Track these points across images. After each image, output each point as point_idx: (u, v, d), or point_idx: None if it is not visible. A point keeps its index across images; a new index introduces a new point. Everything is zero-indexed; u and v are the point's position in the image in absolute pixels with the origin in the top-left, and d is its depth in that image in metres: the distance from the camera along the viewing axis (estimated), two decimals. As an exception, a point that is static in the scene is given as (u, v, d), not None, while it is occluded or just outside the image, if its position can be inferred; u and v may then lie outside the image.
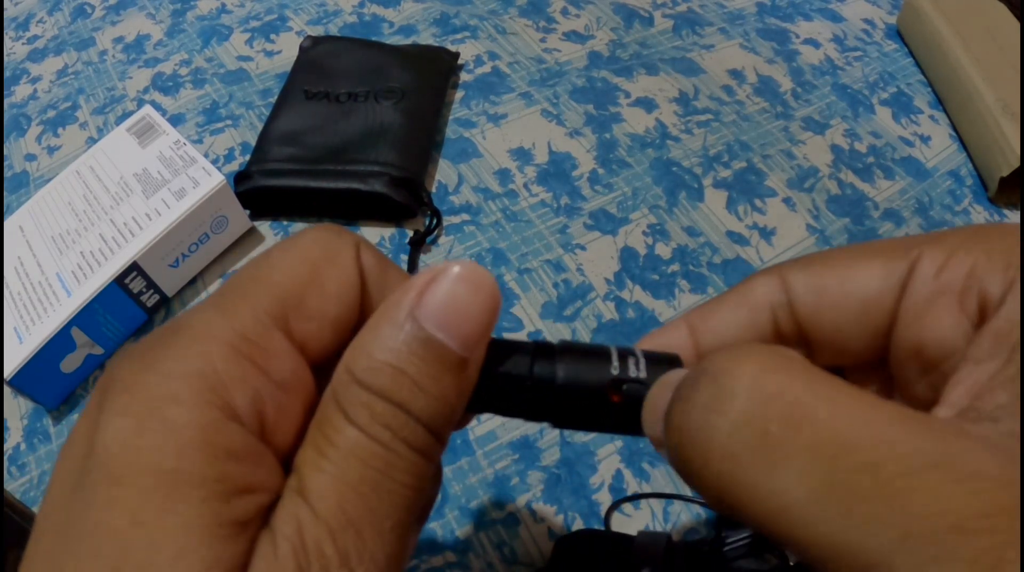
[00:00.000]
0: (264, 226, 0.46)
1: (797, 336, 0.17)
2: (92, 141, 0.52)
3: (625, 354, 0.17)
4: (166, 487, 0.13)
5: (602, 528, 0.34)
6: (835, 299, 0.16)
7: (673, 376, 0.15)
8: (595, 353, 0.17)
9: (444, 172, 0.49)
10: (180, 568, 0.12)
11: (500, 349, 0.17)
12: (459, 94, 0.54)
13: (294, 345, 0.15)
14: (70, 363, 0.38)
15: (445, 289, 0.14)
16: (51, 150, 0.52)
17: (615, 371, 0.16)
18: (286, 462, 0.15)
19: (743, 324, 0.17)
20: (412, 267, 0.43)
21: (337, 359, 0.15)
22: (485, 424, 0.37)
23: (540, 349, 0.17)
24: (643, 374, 0.16)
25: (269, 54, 0.57)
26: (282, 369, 0.15)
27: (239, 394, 0.14)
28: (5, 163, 0.51)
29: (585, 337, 0.40)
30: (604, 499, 0.35)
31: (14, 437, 0.38)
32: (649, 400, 0.15)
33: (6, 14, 0.63)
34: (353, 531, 0.13)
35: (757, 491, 0.11)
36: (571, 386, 0.16)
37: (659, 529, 0.34)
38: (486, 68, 0.55)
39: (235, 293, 0.15)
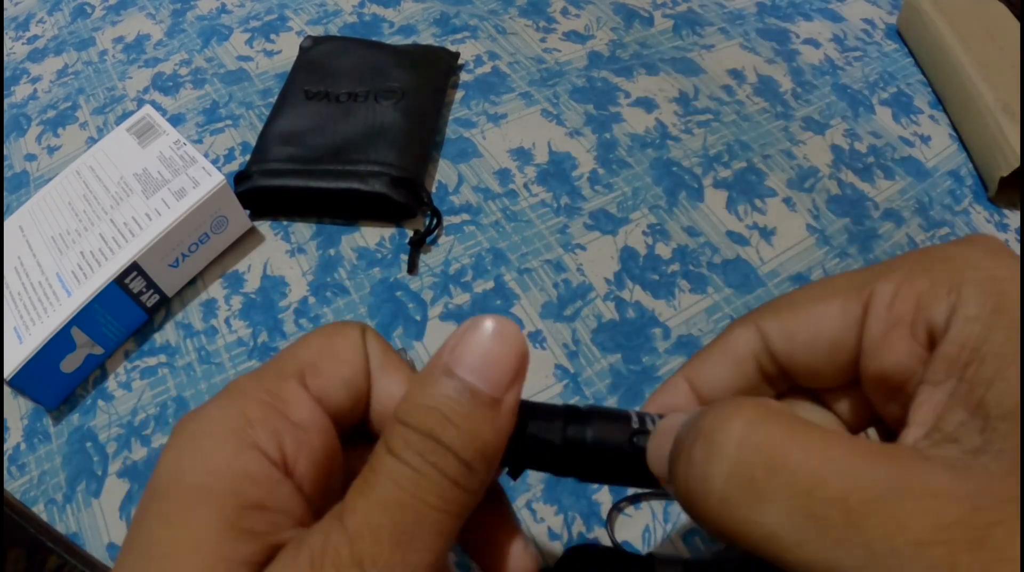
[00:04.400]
0: (264, 226, 0.46)
1: (780, 374, 0.19)
2: (92, 141, 0.52)
3: (643, 417, 0.19)
4: (193, 497, 0.16)
5: (603, 528, 0.34)
6: (805, 342, 0.18)
7: (671, 421, 0.17)
8: (618, 417, 0.19)
9: (444, 172, 0.49)
10: (197, 557, 0.15)
11: (535, 413, 0.19)
12: (459, 94, 0.54)
13: (311, 396, 0.18)
14: (70, 363, 0.38)
15: (474, 339, 0.17)
16: (51, 150, 0.52)
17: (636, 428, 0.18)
18: (313, 497, 0.18)
19: (733, 375, 0.20)
20: (412, 267, 0.43)
21: (357, 416, 0.19)
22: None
23: (571, 414, 0.19)
24: None
25: (269, 54, 0.57)
26: (300, 412, 0.18)
27: (261, 430, 0.17)
28: (5, 163, 0.51)
29: (585, 337, 0.40)
30: (604, 499, 0.35)
31: (14, 437, 0.38)
32: (652, 447, 0.18)
33: (6, 14, 0.63)
34: (371, 538, 0.15)
35: (749, 524, 0.14)
36: (599, 447, 0.19)
37: (659, 529, 0.34)
38: (486, 68, 0.55)
39: (268, 365, 0.19)
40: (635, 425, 0.19)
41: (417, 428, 0.16)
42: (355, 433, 0.20)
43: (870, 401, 0.19)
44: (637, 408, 0.21)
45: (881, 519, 0.12)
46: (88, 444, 0.37)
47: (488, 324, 0.17)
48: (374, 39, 0.55)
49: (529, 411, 0.19)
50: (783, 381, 0.19)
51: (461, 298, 0.42)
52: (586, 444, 0.18)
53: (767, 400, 0.16)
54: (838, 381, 0.18)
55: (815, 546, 0.13)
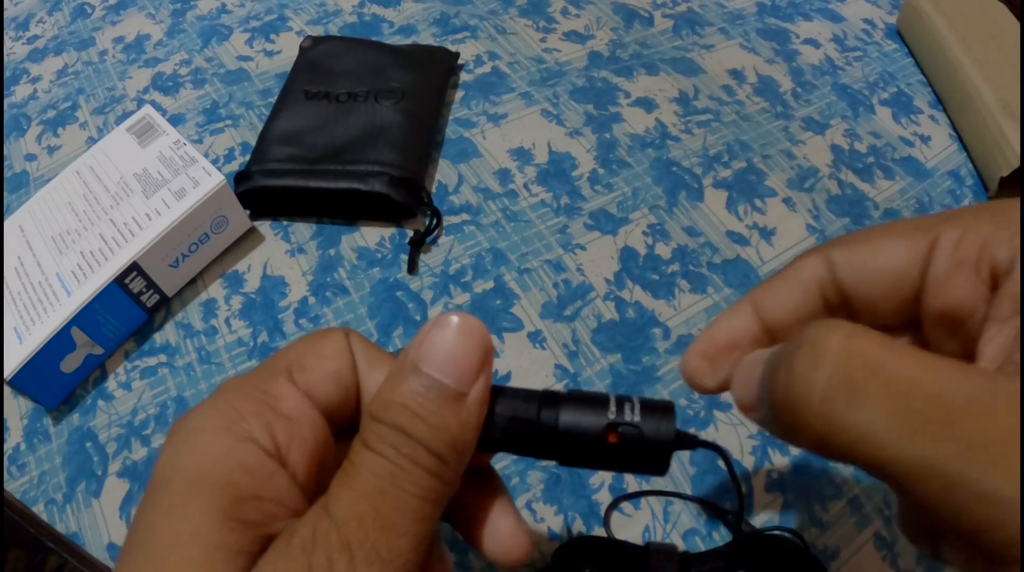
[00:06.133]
0: (264, 226, 0.46)
1: (842, 306, 0.20)
2: (92, 141, 0.52)
3: (622, 401, 0.19)
4: (190, 489, 0.16)
5: (602, 527, 0.34)
6: (870, 274, 0.19)
7: (758, 355, 0.18)
8: (596, 400, 0.19)
9: (444, 172, 0.49)
10: (194, 547, 0.16)
11: (513, 397, 0.19)
12: (459, 94, 0.54)
13: (299, 391, 0.19)
14: (70, 363, 0.38)
15: (439, 336, 0.17)
16: (51, 150, 0.52)
17: (612, 416, 0.19)
18: (308, 488, 0.19)
19: (798, 300, 0.20)
20: (412, 267, 0.43)
21: (348, 412, 0.20)
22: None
23: (547, 397, 0.19)
24: (637, 418, 0.19)
25: (269, 54, 0.57)
26: (289, 406, 0.19)
27: (254, 422, 0.18)
28: (5, 163, 0.51)
29: (585, 337, 0.40)
30: (604, 499, 0.35)
31: (14, 437, 0.38)
32: (737, 377, 0.19)
33: (6, 14, 0.63)
34: (356, 523, 0.16)
35: (847, 423, 0.14)
36: (571, 431, 0.19)
37: (659, 528, 0.34)
38: (486, 68, 0.55)
39: (258, 368, 0.20)
40: (612, 412, 0.19)
41: (389, 424, 0.17)
42: (350, 430, 0.21)
43: (928, 343, 0.19)
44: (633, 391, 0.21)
45: (977, 415, 0.13)
46: (88, 444, 0.38)
47: (452, 320, 0.18)
48: (374, 39, 0.55)
49: (507, 395, 0.19)
50: (845, 315, 0.20)
51: (461, 298, 0.42)
52: (558, 429, 0.19)
53: (860, 325, 0.16)
54: (897, 318, 0.19)
55: (911, 441, 0.13)
